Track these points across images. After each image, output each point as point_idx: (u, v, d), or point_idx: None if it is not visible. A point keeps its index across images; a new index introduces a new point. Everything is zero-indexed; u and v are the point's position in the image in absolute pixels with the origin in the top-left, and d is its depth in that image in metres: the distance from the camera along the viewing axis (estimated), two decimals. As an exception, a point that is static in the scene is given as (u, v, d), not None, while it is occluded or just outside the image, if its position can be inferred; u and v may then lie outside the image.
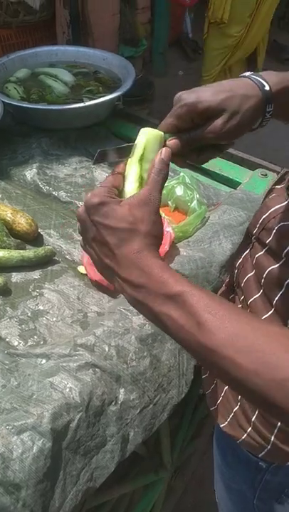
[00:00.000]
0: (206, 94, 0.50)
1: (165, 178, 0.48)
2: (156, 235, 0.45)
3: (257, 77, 0.52)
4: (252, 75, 0.52)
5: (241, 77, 0.53)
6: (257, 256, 0.56)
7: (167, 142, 0.52)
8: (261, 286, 0.55)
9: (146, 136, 0.50)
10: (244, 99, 0.50)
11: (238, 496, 0.74)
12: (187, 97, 0.50)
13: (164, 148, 0.50)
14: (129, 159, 0.51)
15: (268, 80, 0.51)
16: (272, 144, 2.90)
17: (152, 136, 0.50)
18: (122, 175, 0.50)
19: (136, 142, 0.51)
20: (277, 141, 2.97)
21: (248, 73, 0.53)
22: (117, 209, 0.45)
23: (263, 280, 0.54)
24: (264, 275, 0.53)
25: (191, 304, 0.39)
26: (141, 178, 0.50)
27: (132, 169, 0.50)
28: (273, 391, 0.35)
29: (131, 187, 0.49)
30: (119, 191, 0.49)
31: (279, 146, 2.90)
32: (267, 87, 0.51)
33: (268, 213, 0.53)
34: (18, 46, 1.88)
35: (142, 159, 0.50)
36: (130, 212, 0.44)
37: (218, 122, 0.50)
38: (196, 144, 0.52)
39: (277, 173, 1.15)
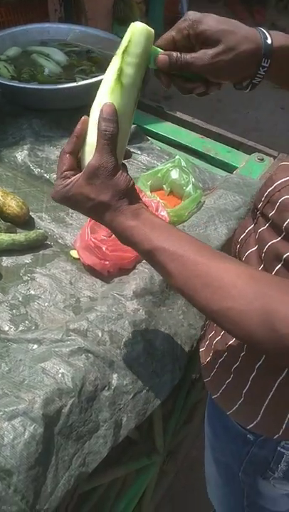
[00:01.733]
0: (210, 19, 0.51)
1: (113, 136, 0.49)
2: (121, 191, 0.49)
3: (263, 30, 0.52)
4: (259, 27, 0.53)
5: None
6: (260, 230, 0.55)
7: (158, 57, 0.52)
8: (262, 261, 0.54)
9: (133, 30, 0.50)
10: (243, 39, 0.50)
11: (224, 469, 0.75)
12: (193, 14, 0.51)
13: (104, 105, 0.49)
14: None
15: (272, 36, 0.51)
16: (268, 129, 2.87)
17: (139, 30, 0.49)
18: (81, 137, 0.52)
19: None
20: (273, 126, 2.94)
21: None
22: (78, 194, 0.50)
23: (263, 254, 0.53)
24: (264, 249, 0.53)
25: (159, 259, 0.48)
26: (120, 70, 0.49)
27: (114, 61, 0.50)
28: (223, 318, 0.45)
29: (107, 85, 0.50)
30: (81, 148, 0.52)
31: (275, 131, 2.87)
32: (269, 41, 0.51)
33: (273, 186, 0.52)
34: (9, 25, 1.82)
35: (125, 52, 0.49)
36: (88, 189, 0.49)
37: (209, 52, 0.50)
38: (184, 69, 0.52)
39: (274, 157, 1.13)
